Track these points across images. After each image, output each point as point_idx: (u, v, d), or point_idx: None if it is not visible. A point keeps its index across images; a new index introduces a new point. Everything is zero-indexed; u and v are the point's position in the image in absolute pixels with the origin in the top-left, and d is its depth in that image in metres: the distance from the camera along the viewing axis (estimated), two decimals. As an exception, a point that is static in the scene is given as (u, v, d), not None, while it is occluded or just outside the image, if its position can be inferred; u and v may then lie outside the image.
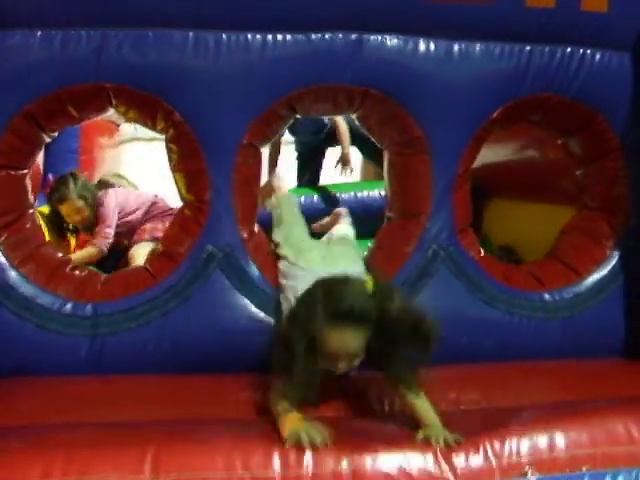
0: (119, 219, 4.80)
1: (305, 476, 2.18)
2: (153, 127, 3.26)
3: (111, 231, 4.70)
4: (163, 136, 3.29)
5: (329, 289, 2.52)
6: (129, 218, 4.84)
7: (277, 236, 3.35)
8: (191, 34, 3.08)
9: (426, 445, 2.30)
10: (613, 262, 3.53)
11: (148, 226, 4.77)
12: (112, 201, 4.77)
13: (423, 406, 2.50)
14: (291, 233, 3.33)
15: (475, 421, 2.57)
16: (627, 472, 2.31)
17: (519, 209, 4.08)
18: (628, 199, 3.51)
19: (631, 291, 3.48)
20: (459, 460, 2.27)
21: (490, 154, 4.06)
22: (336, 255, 3.21)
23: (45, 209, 4.84)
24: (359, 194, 5.69)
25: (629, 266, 3.50)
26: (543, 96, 3.34)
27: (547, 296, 3.45)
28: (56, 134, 3.29)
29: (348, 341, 2.47)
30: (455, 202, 3.37)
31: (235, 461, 2.19)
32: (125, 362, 3.07)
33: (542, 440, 2.36)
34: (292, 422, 2.35)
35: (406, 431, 2.42)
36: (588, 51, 3.34)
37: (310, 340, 2.44)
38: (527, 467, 2.29)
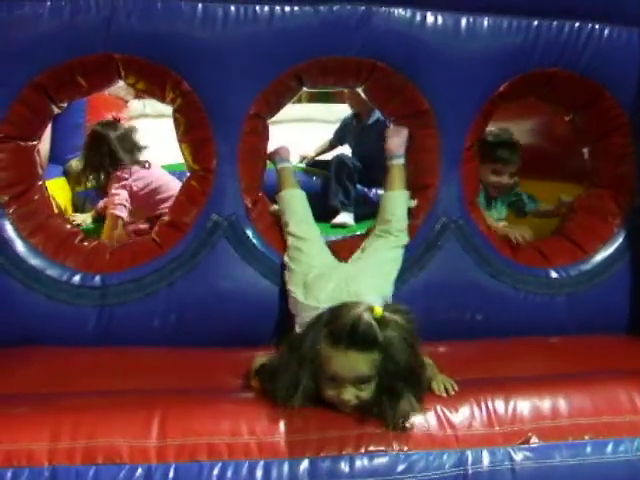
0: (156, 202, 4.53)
1: (311, 440, 2.20)
2: (162, 98, 3.27)
3: (120, 192, 4.37)
4: (171, 113, 3.29)
5: (334, 312, 2.37)
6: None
7: (288, 240, 3.27)
8: (200, 5, 3.07)
9: (429, 407, 2.33)
10: (619, 240, 3.54)
11: None
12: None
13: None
14: (300, 252, 3.17)
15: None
16: (629, 441, 2.33)
17: (528, 187, 4.08)
18: (635, 177, 3.51)
19: (637, 269, 3.48)
20: (461, 423, 2.30)
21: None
22: (353, 281, 2.93)
23: (56, 181, 4.80)
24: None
25: (635, 244, 3.50)
26: (551, 71, 3.34)
27: (553, 272, 3.47)
28: (65, 105, 3.30)
29: (350, 363, 2.27)
30: (463, 175, 3.38)
31: (241, 426, 2.21)
32: (133, 332, 3.10)
33: (545, 407, 2.38)
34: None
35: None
36: (597, 26, 3.32)
37: (313, 368, 2.31)
38: (530, 434, 2.31)
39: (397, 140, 3.41)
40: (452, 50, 3.25)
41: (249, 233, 3.22)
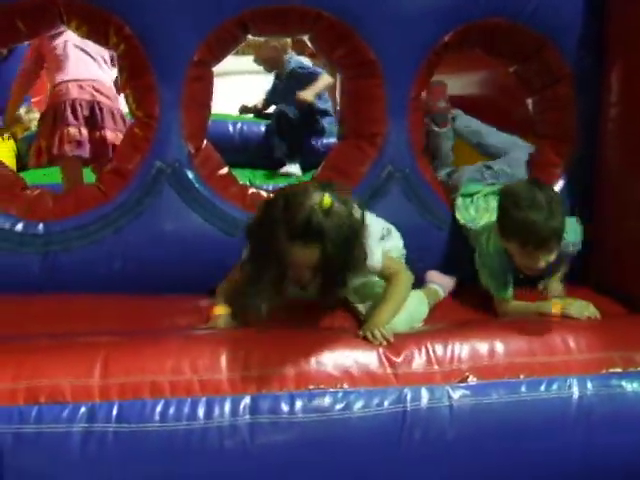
0: None
1: (252, 377, 2.22)
2: (105, 43, 3.24)
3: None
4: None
5: (288, 203, 2.51)
6: None
7: None
8: (145, -52, 3.04)
9: (370, 346, 2.38)
10: (559, 190, 3.54)
11: None
12: None
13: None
14: None
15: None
16: (562, 380, 2.40)
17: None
18: (576, 128, 3.54)
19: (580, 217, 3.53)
20: (401, 363, 2.34)
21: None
22: None
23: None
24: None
25: (574, 194, 3.54)
26: (494, 21, 3.35)
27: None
28: (5, 51, 3.25)
29: (305, 256, 2.49)
30: (410, 125, 3.38)
31: (183, 364, 2.23)
32: (78, 279, 3.10)
33: (483, 348, 2.44)
34: (218, 310, 2.72)
35: (351, 335, 2.50)
36: (540, -24, 3.34)
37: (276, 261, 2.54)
38: (467, 374, 2.37)
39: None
40: (397, 0, 3.24)
41: (193, 179, 3.22)
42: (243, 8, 3.14)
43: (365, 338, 2.42)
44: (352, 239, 2.53)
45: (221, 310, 2.74)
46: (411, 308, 2.82)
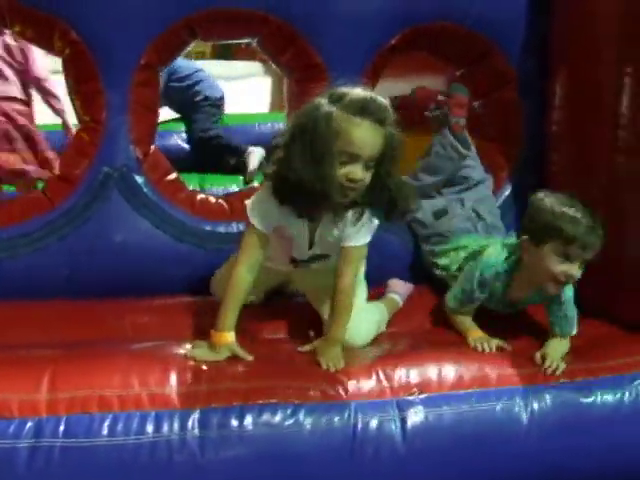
0: None
1: (201, 392, 2.22)
2: (50, 48, 3.20)
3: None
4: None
5: (340, 92, 2.34)
6: None
7: None
8: (89, -49, 3.00)
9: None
10: (506, 193, 3.61)
11: None
12: None
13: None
14: None
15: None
16: (512, 390, 2.46)
17: (414, 143, 4.09)
18: (522, 130, 3.58)
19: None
20: (351, 379, 2.37)
21: (394, 88, 4.10)
22: None
23: None
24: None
25: (522, 197, 3.57)
26: (440, 25, 3.37)
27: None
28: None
29: (369, 134, 2.30)
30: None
31: (132, 379, 2.21)
32: (24, 287, 3.05)
33: (432, 362, 2.49)
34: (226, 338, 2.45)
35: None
36: (485, -19, 3.37)
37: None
38: (415, 390, 2.39)
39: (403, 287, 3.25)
40: (343, 3, 3.25)
41: (141, 184, 3.20)
42: (190, 12, 3.12)
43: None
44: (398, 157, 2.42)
45: (229, 338, 2.45)
46: (372, 324, 2.79)
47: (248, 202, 2.52)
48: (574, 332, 2.80)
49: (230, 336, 2.44)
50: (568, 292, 2.79)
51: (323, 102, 2.33)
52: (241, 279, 2.49)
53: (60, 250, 3.10)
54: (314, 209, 2.47)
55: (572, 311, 2.80)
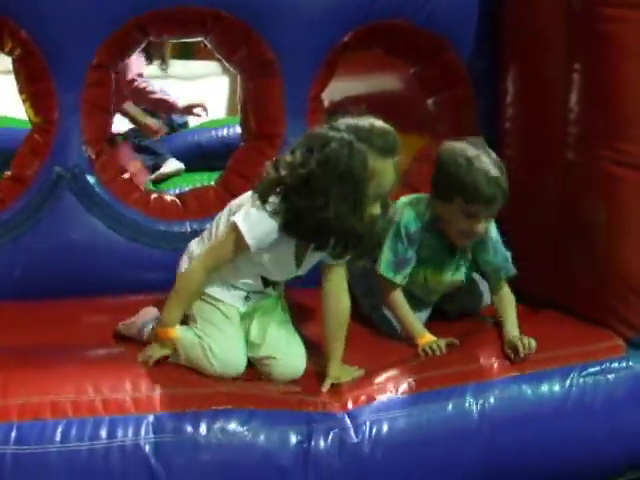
0: None
1: (154, 397, 2.21)
2: (0, 48, 3.16)
3: None
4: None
5: (365, 128, 2.34)
6: None
7: None
8: (38, -51, 2.97)
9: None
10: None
11: None
12: None
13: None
14: None
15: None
16: (461, 388, 2.50)
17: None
18: (475, 127, 3.58)
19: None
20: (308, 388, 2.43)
21: (349, 87, 4.14)
22: None
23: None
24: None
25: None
26: (392, 22, 3.38)
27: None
28: None
29: (395, 171, 2.37)
30: (309, 125, 3.32)
31: (86, 384, 2.20)
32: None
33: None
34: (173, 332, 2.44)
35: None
36: (437, -22, 3.37)
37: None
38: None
39: None
40: (295, 0, 3.26)
41: (93, 184, 3.18)
42: (141, 10, 3.10)
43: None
44: None
45: (177, 332, 2.44)
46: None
47: (240, 221, 2.36)
48: (514, 270, 2.89)
49: (174, 331, 2.43)
50: (492, 232, 2.87)
51: (351, 139, 2.26)
52: (199, 278, 2.46)
53: (12, 251, 3.09)
54: (343, 249, 2.41)
55: (503, 249, 2.89)
